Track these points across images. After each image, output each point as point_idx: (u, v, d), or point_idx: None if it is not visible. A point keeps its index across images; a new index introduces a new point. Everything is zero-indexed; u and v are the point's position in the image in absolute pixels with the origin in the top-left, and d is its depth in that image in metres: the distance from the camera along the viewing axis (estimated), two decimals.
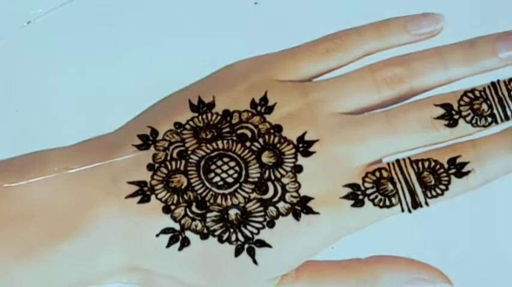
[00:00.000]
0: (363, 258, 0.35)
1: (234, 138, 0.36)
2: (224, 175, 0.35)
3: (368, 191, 0.35)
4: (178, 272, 0.34)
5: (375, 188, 0.35)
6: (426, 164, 0.36)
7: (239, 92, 0.37)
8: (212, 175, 0.35)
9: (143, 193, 0.35)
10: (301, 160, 0.36)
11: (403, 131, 0.36)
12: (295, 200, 0.35)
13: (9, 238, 0.34)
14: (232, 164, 0.35)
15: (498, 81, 0.38)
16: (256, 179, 0.35)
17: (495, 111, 0.37)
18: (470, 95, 0.37)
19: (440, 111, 0.37)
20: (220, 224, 0.34)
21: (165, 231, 0.34)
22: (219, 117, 0.37)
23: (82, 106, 0.38)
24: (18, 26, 0.40)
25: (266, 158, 0.36)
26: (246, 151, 0.36)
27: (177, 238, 0.34)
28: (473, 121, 0.37)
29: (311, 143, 0.36)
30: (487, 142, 0.36)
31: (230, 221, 0.35)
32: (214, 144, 0.36)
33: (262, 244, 0.34)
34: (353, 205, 0.35)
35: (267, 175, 0.35)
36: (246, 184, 0.35)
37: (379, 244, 0.35)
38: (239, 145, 0.36)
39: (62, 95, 0.38)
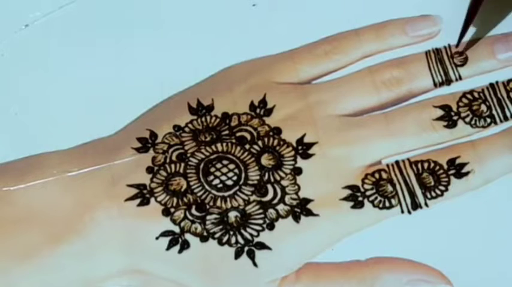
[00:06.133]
0: (363, 260, 0.35)
1: (233, 140, 0.36)
2: (224, 178, 0.35)
3: (368, 193, 0.35)
4: (178, 274, 0.34)
5: (375, 189, 0.35)
6: (426, 165, 0.36)
7: (238, 95, 0.37)
8: (212, 177, 0.35)
9: (143, 195, 0.35)
10: (301, 162, 0.36)
11: (402, 133, 0.36)
12: (294, 202, 0.35)
13: (9, 240, 0.34)
14: (231, 166, 0.35)
15: (497, 82, 0.38)
16: (255, 182, 0.35)
17: (494, 112, 0.37)
18: (469, 96, 0.37)
19: (439, 112, 0.37)
20: (220, 227, 0.34)
21: (164, 234, 0.34)
22: (218, 120, 0.37)
23: (81, 109, 0.38)
24: (16, 29, 0.40)
25: (265, 160, 0.36)
26: (246, 153, 0.36)
27: (176, 241, 0.34)
28: (472, 122, 0.37)
29: (310, 145, 0.36)
30: (486, 143, 0.36)
31: (230, 223, 0.35)
32: (213, 147, 0.36)
33: (262, 246, 0.34)
34: (353, 207, 0.35)
35: (266, 177, 0.35)
36: (246, 187, 0.35)
37: (379, 245, 0.35)
38: (238, 148, 0.36)
39: (61, 98, 0.38)
